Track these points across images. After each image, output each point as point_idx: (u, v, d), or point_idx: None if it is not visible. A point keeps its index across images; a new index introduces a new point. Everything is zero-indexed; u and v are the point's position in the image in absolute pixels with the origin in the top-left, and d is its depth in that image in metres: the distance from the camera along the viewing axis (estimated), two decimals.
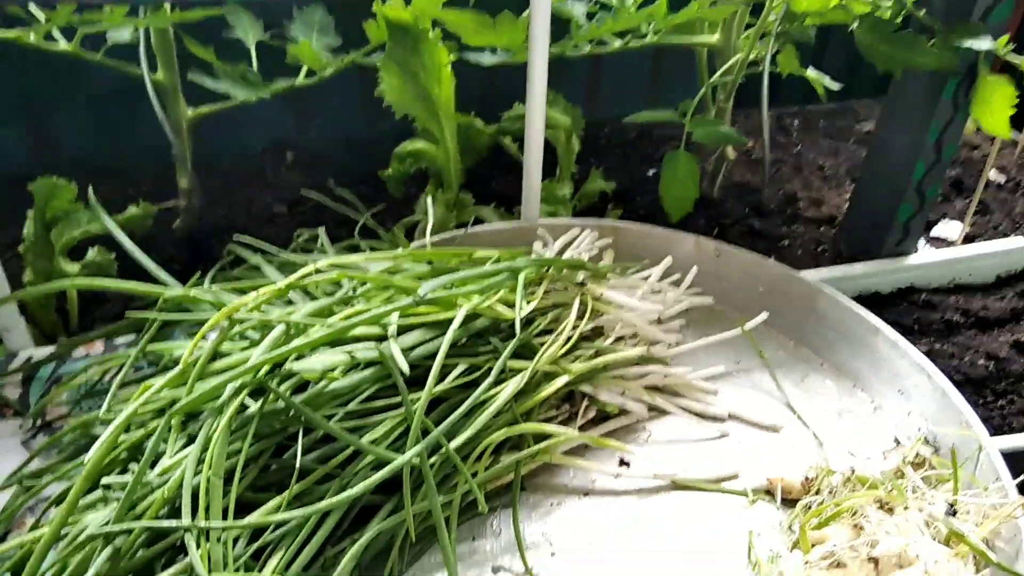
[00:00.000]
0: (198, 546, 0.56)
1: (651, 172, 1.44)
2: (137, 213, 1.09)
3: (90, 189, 0.77)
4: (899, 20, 1.05)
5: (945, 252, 1.24)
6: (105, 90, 1.23)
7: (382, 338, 0.70)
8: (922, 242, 1.32)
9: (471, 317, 0.73)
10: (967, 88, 1.05)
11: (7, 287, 0.86)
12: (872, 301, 1.20)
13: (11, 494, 0.73)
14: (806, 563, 0.66)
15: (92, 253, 1.00)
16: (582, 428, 0.82)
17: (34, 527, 0.67)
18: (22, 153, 1.27)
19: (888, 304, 1.19)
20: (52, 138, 1.28)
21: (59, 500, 0.67)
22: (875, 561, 0.64)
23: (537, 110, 0.91)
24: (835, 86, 1.36)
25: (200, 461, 0.60)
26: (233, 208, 1.25)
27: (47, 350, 0.87)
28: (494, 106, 1.34)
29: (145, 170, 1.30)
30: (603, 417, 0.84)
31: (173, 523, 0.56)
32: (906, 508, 0.66)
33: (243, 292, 0.74)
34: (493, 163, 1.38)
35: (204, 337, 0.67)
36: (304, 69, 1.08)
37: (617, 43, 1.15)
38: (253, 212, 1.24)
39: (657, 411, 0.86)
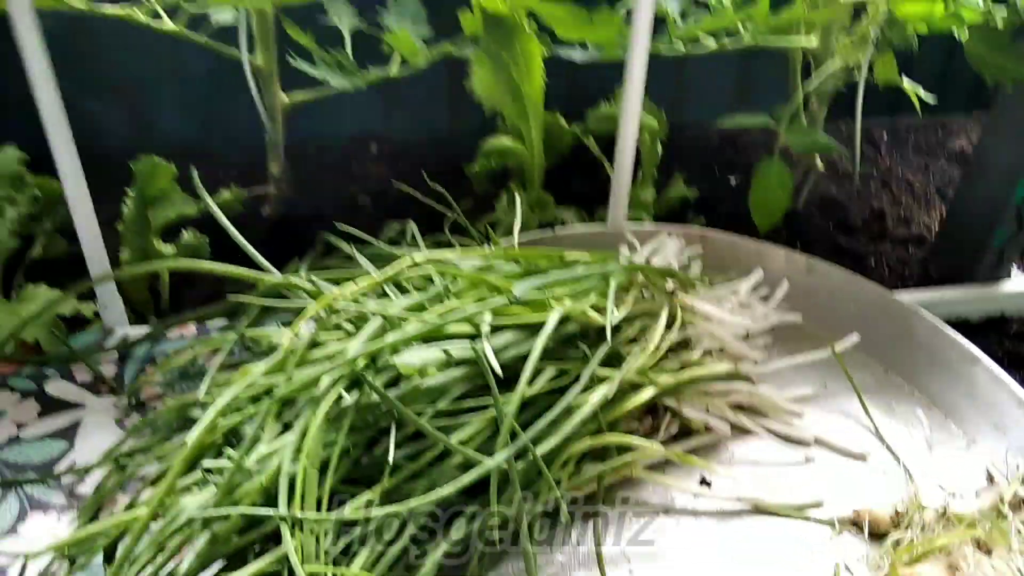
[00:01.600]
0: (292, 536, 0.57)
1: (733, 181, 1.42)
2: (228, 198, 1.11)
3: (194, 172, 0.79)
4: (1012, 29, 1.01)
5: None
6: (201, 74, 1.26)
7: (473, 336, 0.70)
8: (1014, 268, 1.27)
9: (561, 321, 0.73)
10: None
11: (107, 263, 0.89)
12: (960, 328, 1.15)
13: (105, 472, 0.75)
14: None
15: (187, 235, 1.02)
16: (663, 443, 0.80)
17: (129, 507, 0.68)
18: (118, 132, 1.31)
19: (977, 333, 1.15)
20: (147, 118, 1.31)
21: (155, 481, 0.69)
22: None
23: (632, 112, 0.90)
24: (930, 98, 1.32)
25: (297, 450, 0.60)
26: (319, 197, 1.27)
27: (142, 329, 0.90)
28: (574, 105, 1.33)
29: (234, 155, 1.32)
30: (684, 433, 0.83)
31: (273, 511, 0.57)
32: (1011, 550, 0.63)
33: (337, 282, 0.75)
34: (572, 163, 1.37)
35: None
36: (397, 59, 1.08)
37: (712, 43, 1.12)
38: (338, 202, 1.26)
39: (740, 431, 0.84)
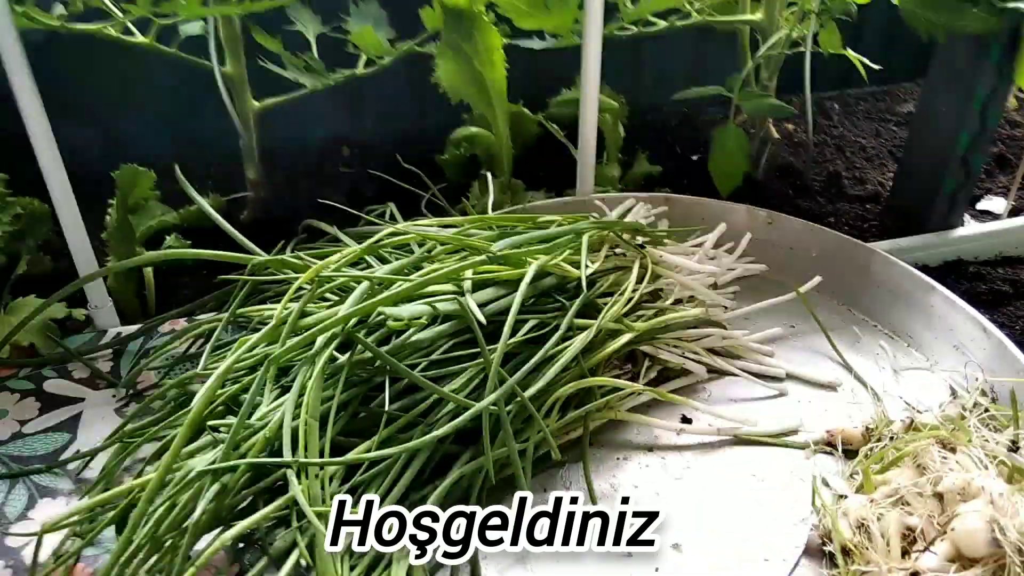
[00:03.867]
0: (299, 482, 0.60)
1: (695, 157, 1.47)
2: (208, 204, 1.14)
3: (176, 169, 0.82)
4: None
5: (992, 224, 1.25)
6: (172, 86, 1.29)
7: (456, 294, 0.74)
8: (967, 218, 1.33)
9: (539, 276, 0.77)
10: (1012, 52, 1.06)
11: (96, 266, 0.91)
12: None
13: (110, 455, 0.77)
14: (871, 501, 0.68)
15: (169, 240, 1.05)
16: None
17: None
18: (93, 150, 1.33)
19: (936, 277, 1.19)
20: (122, 135, 1.34)
21: (159, 454, 0.72)
22: (940, 496, 0.66)
23: (591, 84, 0.95)
24: (875, 67, 1.38)
25: (297, 406, 0.64)
26: (296, 200, 1.31)
27: (135, 328, 0.93)
28: (537, 95, 1.38)
29: (211, 165, 1.35)
30: (664, 378, 0.87)
31: (278, 460, 0.60)
32: (969, 442, 0.67)
33: (322, 257, 0.79)
34: (539, 151, 1.42)
35: (291, 299, 0.72)
36: (363, 59, 1.13)
37: (661, 23, 1.18)
38: (314, 203, 1.29)
39: (716, 372, 0.88)
